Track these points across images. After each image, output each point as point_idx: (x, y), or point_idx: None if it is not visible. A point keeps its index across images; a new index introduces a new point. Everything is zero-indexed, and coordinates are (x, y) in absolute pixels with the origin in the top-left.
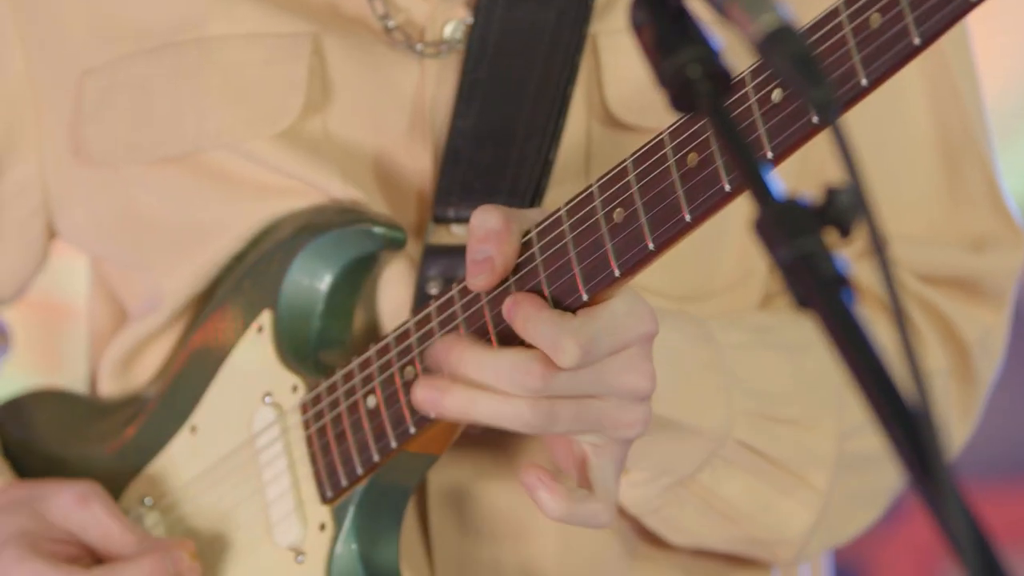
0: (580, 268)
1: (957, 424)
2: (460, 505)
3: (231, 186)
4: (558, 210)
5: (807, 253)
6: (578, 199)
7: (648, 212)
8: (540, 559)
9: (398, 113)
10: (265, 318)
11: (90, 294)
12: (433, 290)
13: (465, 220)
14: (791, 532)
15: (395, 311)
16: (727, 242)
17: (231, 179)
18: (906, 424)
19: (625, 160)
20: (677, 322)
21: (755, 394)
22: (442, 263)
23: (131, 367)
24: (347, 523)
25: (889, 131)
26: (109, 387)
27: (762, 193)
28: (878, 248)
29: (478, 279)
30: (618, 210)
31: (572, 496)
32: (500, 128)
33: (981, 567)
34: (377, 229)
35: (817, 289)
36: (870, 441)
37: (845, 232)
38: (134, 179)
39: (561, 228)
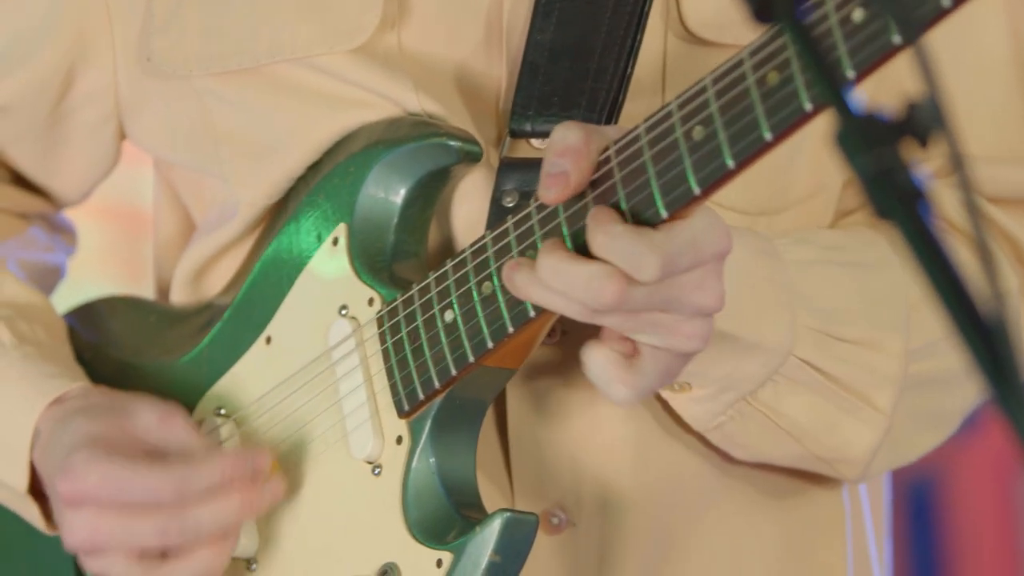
0: (659, 185)
1: None
2: (539, 419)
3: (305, 97)
4: (636, 127)
5: (887, 166)
6: (656, 117)
7: (728, 130)
8: (618, 473)
9: (474, 28)
10: (341, 231)
11: (156, 201)
12: (509, 203)
13: (542, 134)
14: (854, 452)
15: (470, 224)
16: (801, 157)
17: (305, 90)
18: (983, 335)
19: (704, 79)
20: (742, 238)
21: (819, 312)
22: (518, 176)
23: (204, 278)
24: (424, 437)
25: (965, 49)
26: (181, 298)
27: (842, 107)
28: (956, 160)
29: (550, 192)
30: (697, 128)
31: (618, 360)
32: (577, 42)
33: None
34: (453, 143)
35: (896, 201)
36: (938, 363)
37: (924, 143)
38: (207, 90)
39: (639, 145)
